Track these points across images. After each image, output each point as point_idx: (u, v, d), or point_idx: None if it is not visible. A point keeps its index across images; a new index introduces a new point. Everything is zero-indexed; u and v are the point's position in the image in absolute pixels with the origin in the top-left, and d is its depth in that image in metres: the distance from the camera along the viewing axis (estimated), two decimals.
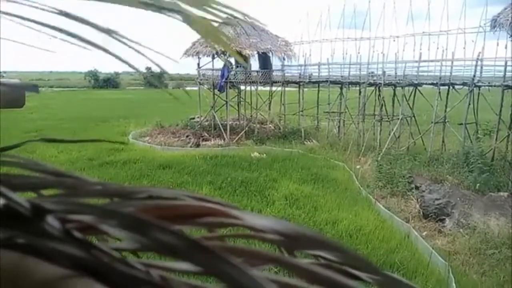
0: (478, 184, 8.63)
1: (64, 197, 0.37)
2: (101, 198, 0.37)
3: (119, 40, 0.40)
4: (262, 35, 15.18)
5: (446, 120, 12.12)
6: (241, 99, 17.16)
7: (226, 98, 15.30)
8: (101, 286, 0.29)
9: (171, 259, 0.30)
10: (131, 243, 0.31)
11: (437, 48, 12.77)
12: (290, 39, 16.58)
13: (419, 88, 13.04)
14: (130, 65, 0.41)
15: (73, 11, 0.41)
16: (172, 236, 0.29)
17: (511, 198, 7.82)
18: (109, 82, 54.17)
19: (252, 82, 15.74)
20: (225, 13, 0.44)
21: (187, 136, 14.72)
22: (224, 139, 14.54)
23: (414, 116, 13.13)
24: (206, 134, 15.07)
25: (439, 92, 11.78)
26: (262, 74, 15.86)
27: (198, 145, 14.09)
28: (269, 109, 17.13)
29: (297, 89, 16.28)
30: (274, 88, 16.72)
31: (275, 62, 16.31)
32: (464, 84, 11.40)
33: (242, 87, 16.74)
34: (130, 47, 0.40)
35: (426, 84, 12.78)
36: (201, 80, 16.07)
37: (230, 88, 15.47)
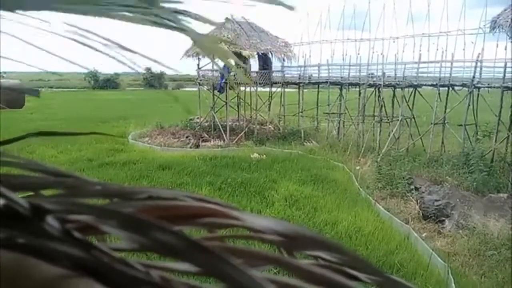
0: (477, 185, 8.63)
1: (63, 197, 0.37)
2: (101, 198, 0.37)
3: (121, 47, 0.40)
4: (262, 36, 15.20)
5: (446, 121, 12.12)
6: (241, 100, 17.16)
7: (226, 99, 15.30)
8: (101, 286, 0.29)
9: (171, 259, 0.30)
10: (131, 243, 0.31)
11: (437, 49, 12.80)
12: (290, 40, 16.63)
13: (418, 89, 13.05)
14: (129, 66, 0.42)
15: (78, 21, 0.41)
16: (172, 236, 0.29)
17: (510, 200, 7.82)
18: (109, 83, 54.23)
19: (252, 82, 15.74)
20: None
21: (186, 137, 14.72)
22: (223, 140, 14.54)
23: (413, 117, 13.14)
24: (205, 135, 15.07)
25: (439, 93, 11.79)
26: (262, 75, 15.87)
27: (197, 146, 14.09)
28: (269, 110, 17.13)
29: (297, 90, 16.29)
30: (274, 89, 16.73)
31: (275, 63, 16.34)
32: (463, 85, 11.42)
33: (242, 88, 16.74)
34: (129, 50, 0.40)
35: (425, 85, 12.81)
36: (200, 80, 16.08)
37: (229, 88, 15.46)
